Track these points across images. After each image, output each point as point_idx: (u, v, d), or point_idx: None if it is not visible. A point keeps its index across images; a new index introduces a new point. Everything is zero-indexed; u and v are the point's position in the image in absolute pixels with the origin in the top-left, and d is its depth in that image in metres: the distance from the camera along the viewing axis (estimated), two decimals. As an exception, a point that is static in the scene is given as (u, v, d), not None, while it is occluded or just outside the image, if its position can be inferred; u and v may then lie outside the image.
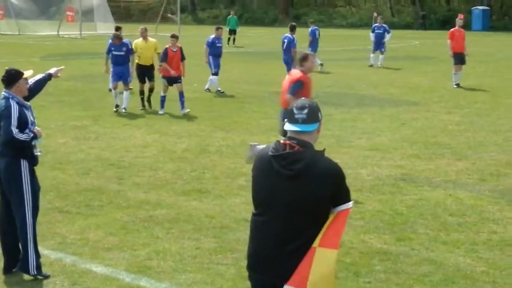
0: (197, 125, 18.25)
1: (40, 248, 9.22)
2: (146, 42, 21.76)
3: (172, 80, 20.57)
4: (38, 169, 13.33)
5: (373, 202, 11.48)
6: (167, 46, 20.88)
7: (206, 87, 25.34)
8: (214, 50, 25.66)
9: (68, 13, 62.05)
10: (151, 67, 21.70)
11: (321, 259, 5.03)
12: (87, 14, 64.13)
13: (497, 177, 13.12)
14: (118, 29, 27.19)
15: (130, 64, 20.97)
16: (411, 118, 19.53)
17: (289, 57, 25.31)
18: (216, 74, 25.42)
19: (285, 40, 26.12)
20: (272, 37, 57.14)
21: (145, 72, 21.51)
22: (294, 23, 27.91)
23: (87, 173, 13.31)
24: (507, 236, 9.89)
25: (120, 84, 20.65)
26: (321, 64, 31.38)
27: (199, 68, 33.45)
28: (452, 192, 12.15)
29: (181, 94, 20.33)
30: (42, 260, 8.68)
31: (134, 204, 11.32)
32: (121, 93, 20.67)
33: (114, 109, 20.19)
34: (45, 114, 19.78)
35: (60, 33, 59.48)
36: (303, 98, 5.35)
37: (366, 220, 10.52)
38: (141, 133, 17.16)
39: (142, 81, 21.42)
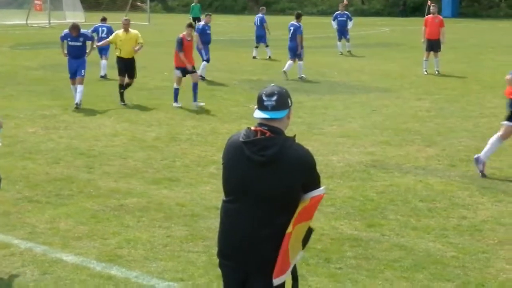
0: (167, 114, 18.19)
1: (10, 238, 9.20)
2: (127, 33, 20.17)
3: (186, 71, 19.72)
4: (7, 159, 13.35)
5: (344, 189, 11.51)
6: (181, 35, 19.94)
7: (199, 73, 25.18)
8: (204, 37, 25.83)
9: (36, 2, 61.46)
10: (132, 60, 20.22)
11: (297, 234, 5.12)
12: (56, 3, 63.57)
13: (467, 163, 13.19)
14: (104, 19, 27.31)
15: (87, 52, 19.58)
16: (381, 104, 19.59)
17: (295, 44, 25.51)
18: (207, 61, 25.61)
19: (291, 28, 26.07)
20: (242, 24, 57.10)
21: (127, 66, 20.09)
22: (299, 12, 27.94)
23: (57, 162, 13.22)
24: (476, 221, 9.96)
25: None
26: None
27: (169, 56, 33.37)
28: (422, 178, 12.22)
29: (195, 85, 19.47)
30: (12, 249, 8.63)
31: (105, 193, 11.27)
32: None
33: (75, 106, 18.83)
34: (14, 103, 19.65)
35: (28, 22, 58.96)
36: (272, 84, 5.33)
37: (337, 207, 10.54)
38: (111, 122, 17.07)
39: (122, 75, 20.11)
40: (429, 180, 12.04)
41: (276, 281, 5.11)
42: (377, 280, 7.96)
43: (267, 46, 32.39)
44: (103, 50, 26.11)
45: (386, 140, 15.10)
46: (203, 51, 25.75)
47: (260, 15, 33.48)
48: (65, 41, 19.58)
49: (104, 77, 25.71)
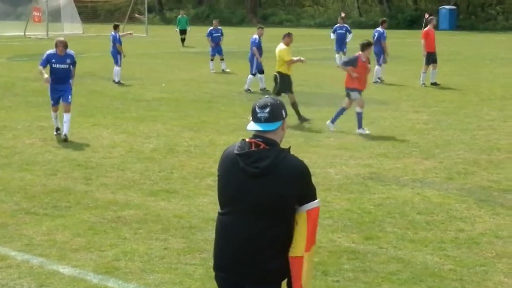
0: (164, 125, 18.18)
1: (7, 250, 9.18)
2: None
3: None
4: (5, 170, 13.34)
5: (341, 201, 11.50)
6: (356, 54, 18.25)
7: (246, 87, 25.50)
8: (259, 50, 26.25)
9: (35, 13, 61.63)
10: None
11: (309, 261, 5.16)
12: (54, 14, 63.74)
13: (464, 176, 13.19)
14: (116, 27, 27.98)
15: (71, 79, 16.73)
16: (379, 117, 19.60)
17: (379, 49, 27.92)
18: (255, 74, 25.80)
19: (376, 34, 28.33)
20: (240, 37, 57.12)
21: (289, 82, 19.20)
22: (384, 18, 30.49)
23: (55, 174, 13.21)
24: (474, 234, 9.95)
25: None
26: None
27: (166, 68, 33.44)
28: (419, 190, 12.21)
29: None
30: (9, 261, 8.62)
31: (102, 204, 11.25)
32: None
33: (54, 133, 16.70)
34: (12, 114, 19.65)
35: (27, 33, 59.08)
36: (266, 96, 5.34)
37: (335, 219, 10.53)
38: (109, 133, 17.06)
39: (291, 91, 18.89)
40: (426, 193, 12.03)
41: None
42: (374, 293, 7.95)
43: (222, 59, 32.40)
44: (118, 57, 27.46)
45: (383, 152, 15.10)
46: (255, 64, 25.74)
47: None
48: (46, 66, 16.46)
49: (118, 83, 26.86)
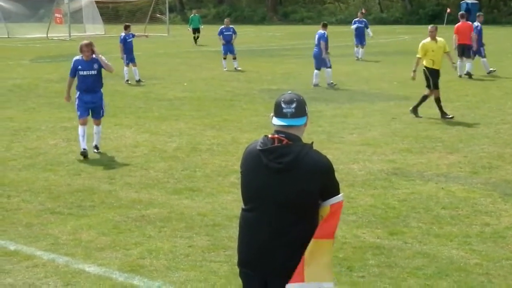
0: (187, 124, 18.21)
1: (33, 249, 9.23)
2: (436, 42, 19.04)
3: None
4: (29, 171, 13.42)
5: (365, 197, 11.47)
6: None
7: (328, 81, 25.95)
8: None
9: (57, 15, 61.99)
10: (439, 71, 19.00)
11: (316, 249, 5.05)
12: (76, 16, 64.12)
13: (489, 170, 13.12)
14: (127, 27, 28.33)
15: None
16: (402, 112, 19.52)
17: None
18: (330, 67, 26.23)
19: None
20: (261, 34, 57.15)
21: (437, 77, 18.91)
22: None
23: (78, 174, 13.27)
24: (500, 228, 9.89)
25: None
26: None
27: (188, 67, 33.52)
28: (444, 185, 12.15)
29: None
30: (35, 261, 8.67)
31: (126, 203, 11.29)
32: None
33: (81, 157, 14.40)
34: (36, 116, 19.76)
35: (49, 35, 59.40)
36: (289, 92, 5.32)
37: (359, 215, 10.51)
38: (132, 133, 17.12)
39: (437, 87, 18.91)
40: (451, 187, 11.98)
41: (289, 286, 5.06)
42: (400, 288, 7.92)
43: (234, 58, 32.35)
44: (130, 56, 27.87)
45: (407, 147, 15.05)
46: (327, 59, 26.06)
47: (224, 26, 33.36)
48: (75, 75, 14.80)
49: (139, 81, 27.36)
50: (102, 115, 15.12)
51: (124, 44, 27.87)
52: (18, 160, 14.37)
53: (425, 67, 18.98)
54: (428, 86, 18.92)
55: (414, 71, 18.98)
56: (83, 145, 14.50)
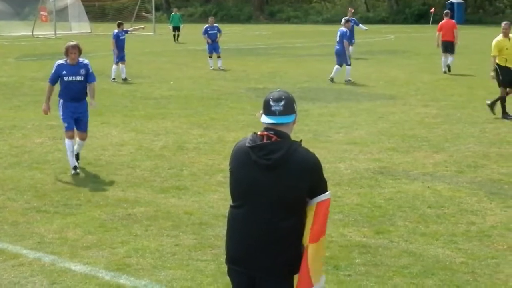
0: (173, 123, 18.19)
1: (18, 248, 9.20)
2: (510, 40, 18.67)
3: None
4: (15, 169, 13.37)
5: (352, 196, 11.49)
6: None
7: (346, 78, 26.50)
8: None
9: (42, 13, 61.82)
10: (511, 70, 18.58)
11: (315, 251, 5.13)
12: (61, 14, 63.91)
13: (474, 169, 13.17)
14: (120, 25, 28.37)
15: (89, 96, 13.55)
16: (388, 111, 19.58)
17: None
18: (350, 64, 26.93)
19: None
20: (248, 33, 57.18)
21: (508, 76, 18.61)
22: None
23: (65, 172, 13.22)
24: (485, 227, 9.93)
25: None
26: None
27: (174, 65, 33.51)
28: (430, 184, 12.19)
29: None
30: (21, 259, 8.65)
31: (112, 202, 11.27)
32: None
33: (72, 172, 13.06)
34: (21, 114, 19.69)
35: (34, 33, 59.21)
36: (278, 90, 5.35)
37: (345, 214, 10.53)
38: (118, 132, 17.08)
39: (506, 86, 18.68)
40: (437, 186, 12.01)
41: None
42: (386, 287, 7.93)
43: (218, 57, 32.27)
44: (121, 54, 27.99)
45: (393, 146, 15.08)
46: (345, 56, 26.62)
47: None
48: (57, 81, 13.33)
49: (125, 79, 27.36)
50: (87, 129, 13.57)
51: (117, 41, 27.86)
52: (3, 158, 14.32)
53: (497, 64, 18.79)
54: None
55: (494, 70, 18.88)
56: (73, 162, 13.13)
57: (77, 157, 13.36)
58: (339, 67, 26.51)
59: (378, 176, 12.74)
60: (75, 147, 13.34)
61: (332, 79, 26.38)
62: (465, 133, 16.52)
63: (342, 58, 26.53)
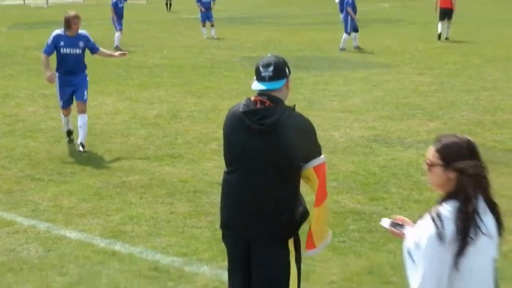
0: (167, 91, 18.14)
1: (13, 215, 9.22)
2: None
3: None
4: (8, 138, 13.34)
5: (346, 164, 11.51)
6: None
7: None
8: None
9: (34, -19, 61.34)
10: None
11: (319, 214, 5.26)
12: (54, -18, 63.40)
13: (468, 136, 13.16)
14: None
15: (109, 55, 13.76)
16: (382, 80, 19.56)
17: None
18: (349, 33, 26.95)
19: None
20: (241, 2, 56.91)
21: None
22: None
23: (58, 141, 13.20)
24: (479, 194, 9.94)
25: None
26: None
27: (167, 34, 33.37)
28: (424, 152, 12.09)
29: None
30: (16, 227, 8.67)
31: (107, 170, 11.27)
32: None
33: (66, 138, 13.05)
34: (14, 83, 19.63)
35: (26, 2, 58.84)
36: (269, 55, 5.34)
37: (340, 181, 10.54)
38: (112, 100, 17.04)
39: None
40: (431, 154, 12.00)
41: (306, 253, 5.38)
42: (380, 253, 7.97)
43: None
44: (119, 21, 27.93)
45: (387, 114, 15.08)
46: (349, 23, 26.86)
47: None
48: (53, 52, 12.61)
49: (117, 48, 26.60)
50: (86, 98, 12.77)
51: (115, 9, 27.75)
52: (-3, 127, 14.29)
53: None
54: None
55: None
56: (66, 126, 12.97)
57: (82, 146, 12.41)
58: (346, 35, 26.68)
59: (372, 143, 12.75)
60: (80, 133, 12.54)
61: (343, 49, 26.45)
62: (459, 101, 16.52)
63: (346, 25, 26.88)
